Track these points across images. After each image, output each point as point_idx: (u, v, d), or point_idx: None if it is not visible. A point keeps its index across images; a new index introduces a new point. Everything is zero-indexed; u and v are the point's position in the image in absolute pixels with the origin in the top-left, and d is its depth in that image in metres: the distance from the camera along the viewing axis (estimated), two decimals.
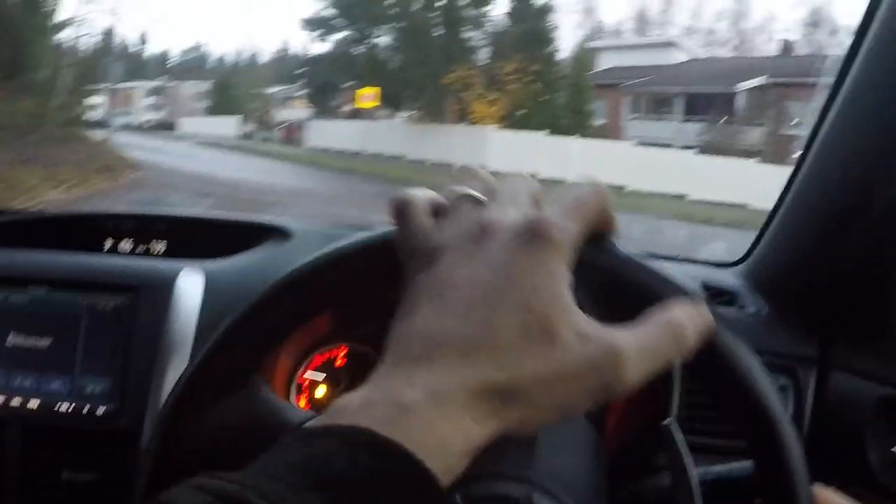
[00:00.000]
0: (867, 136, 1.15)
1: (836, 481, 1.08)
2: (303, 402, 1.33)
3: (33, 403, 1.24)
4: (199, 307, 1.27)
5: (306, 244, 1.41)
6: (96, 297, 1.29)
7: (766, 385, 0.65)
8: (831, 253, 1.25)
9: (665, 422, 0.75)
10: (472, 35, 24.57)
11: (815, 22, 30.42)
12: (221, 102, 36.37)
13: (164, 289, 1.28)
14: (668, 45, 28.46)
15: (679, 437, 0.74)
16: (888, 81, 1.12)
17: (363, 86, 22.09)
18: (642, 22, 34.09)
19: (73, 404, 1.24)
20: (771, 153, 19.84)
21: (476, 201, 0.55)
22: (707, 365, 0.65)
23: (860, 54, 1.15)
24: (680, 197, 17.37)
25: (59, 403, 1.24)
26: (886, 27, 1.10)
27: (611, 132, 24.16)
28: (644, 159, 19.31)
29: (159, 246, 1.58)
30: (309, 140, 27.63)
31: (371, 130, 24.75)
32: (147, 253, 1.58)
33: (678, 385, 1.08)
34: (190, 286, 1.29)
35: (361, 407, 0.44)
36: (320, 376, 1.33)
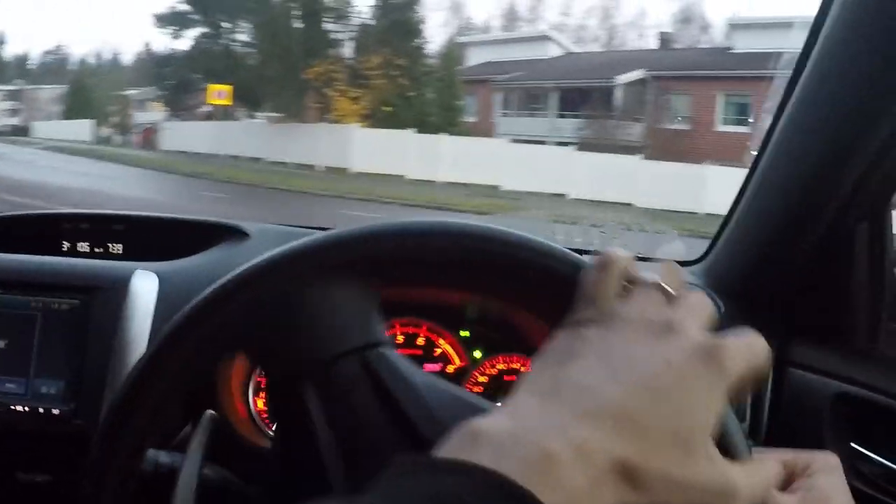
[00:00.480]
0: (821, 136, 1.21)
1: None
2: (261, 403, 1.37)
3: None
4: (153, 308, 1.31)
5: (263, 245, 1.39)
6: (51, 298, 1.32)
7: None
8: (788, 251, 1.32)
9: None
10: (334, 28, 24.10)
11: (686, 18, 31.60)
12: (77, 105, 34.95)
13: (118, 290, 1.32)
14: (542, 38, 28.49)
15: None
16: (841, 82, 1.17)
17: (218, 84, 21.81)
18: (511, 19, 34.71)
19: (28, 405, 1.27)
20: (653, 148, 20.09)
21: (666, 294, 0.59)
22: None
23: (813, 55, 1.20)
24: (560, 196, 17.39)
25: (14, 404, 1.28)
26: (839, 27, 1.15)
27: (482, 129, 24.07)
28: (519, 157, 19.27)
29: (116, 247, 1.62)
30: (165, 143, 27.08)
31: (228, 132, 24.11)
32: (104, 254, 1.62)
33: None
34: (144, 287, 1.33)
35: (507, 443, 0.46)
36: None
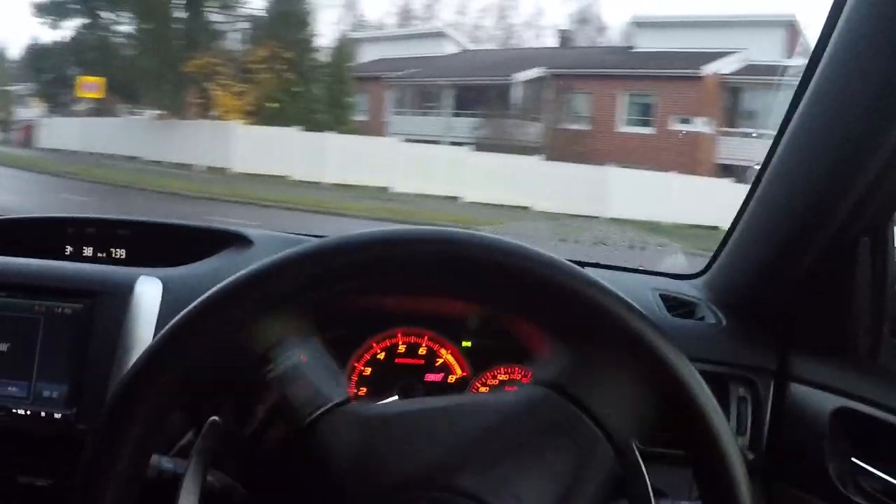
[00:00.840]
0: (824, 152, 1.24)
1: (796, 491, 1.20)
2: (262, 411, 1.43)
3: None
4: (156, 314, 1.35)
5: (267, 252, 1.46)
6: (54, 302, 1.36)
7: (716, 410, 0.77)
8: (790, 265, 1.35)
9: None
10: (219, 18, 23.36)
11: (583, 19, 32.03)
12: None
13: (122, 295, 1.36)
14: (438, 35, 28.04)
15: (636, 455, 0.85)
16: (844, 100, 1.20)
17: (92, 76, 21.08)
18: (406, 17, 34.60)
19: (31, 409, 1.31)
20: (552, 149, 19.83)
21: None
22: (654, 376, 0.78)
23: (816, 73, 1.24)
24: (453, 199, 17.07)
25: (16, 408, 1.32)
26: (842, 47, 1.19)
27: (373, 128, 23.55)
28: (411, 157, 19.08)
29: (120, 252, 1.67)
30: (41, 141, 25.92)
31: (105, 129, 23.14)
32: (108, 259, 1.66)
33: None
34: (148, 293, 1.37)
35: None
36: None
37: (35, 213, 1.74)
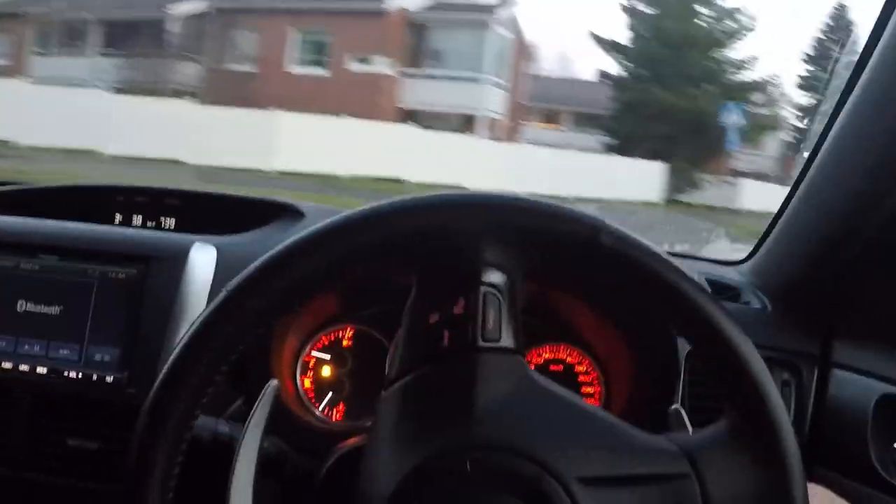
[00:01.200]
0: (873, 140, 1.27)
1: (837, 476, 1.24)
2: (308, 382, 1.46)
3: (42, 370, 1.36)
4: (210, 280, 1.39)
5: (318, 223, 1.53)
6: (108, 266, 1.40)
7: (765, 374, 0.80)
8: (836, 252, 1.37)
9: (673, 407, 0.92)
10: None
11: None
12: None
13: (176, 261, 1.40)
14: None
15: (685, 419, 0.91)
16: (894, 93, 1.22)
17: None
18: None
19: (82, 372, 1.36)
20: (210, 91, 18.60)
21: None
22: (712, 353, 0.81)
23: (872, 57, 1.26)
24: (89, 152, 15.68)
25: (68, 371, 1.36)
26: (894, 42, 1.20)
27: (13, 72, 21.42)
28: (42, 103, 16.90)
29: (169, 221, 1.70)
30: None
31: None
32: (157, 227, 1.69)
33: (682, 373, 1.25)
34: (202, 259, 1.41)
35: None
36: (326, 356, 1.46)
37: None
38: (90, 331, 1.40)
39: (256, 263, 0.83)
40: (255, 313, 0.82)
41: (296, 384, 1.46)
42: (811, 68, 47.98)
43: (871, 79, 1.28)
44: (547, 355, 1.48)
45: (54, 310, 1.41)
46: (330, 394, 1.46)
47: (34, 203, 1.65)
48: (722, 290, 1.55)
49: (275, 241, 1.43)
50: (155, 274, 1.41)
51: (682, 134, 28.77)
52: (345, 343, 1.48)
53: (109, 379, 1.37)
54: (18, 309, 1.41)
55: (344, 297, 1.45)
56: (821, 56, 47.30)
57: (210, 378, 0.82)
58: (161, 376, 0.83)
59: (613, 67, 32.95)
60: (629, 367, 1.36)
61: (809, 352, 1.41)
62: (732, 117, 22.18)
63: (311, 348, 1.47)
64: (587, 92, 33.48)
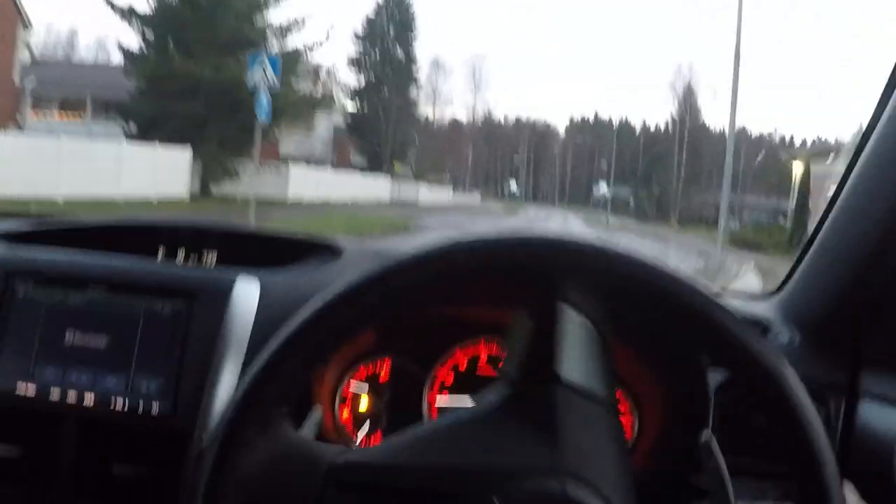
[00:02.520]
0: None
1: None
2: (346, 413, 1.49)
3: (89, 399, 1.40)
4: (254, 314, 1.43)
5: (357, 262, 1.54)
6: (154, 300, 1.44)
7: (813, 414, 0.83)
8: (863, 283, 1.39)
9: (704, 437, 0.93)
10: None
11: None
12: None
13: (221, 295, 1.44)
14: None
15: (718, 451, 0.91)
16: None
17: None
18: None
19: (128, 402, 1.40)
20: None
21: None
22: (759, 387, 0.84)
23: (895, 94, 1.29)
24: None
25: (115, 401, 1.40)
26: None
27: None
28: None
29: (211, 257, 1.75)
30: None
31: None
32: (199, 263, 1.74)
33: (713, 403, 1.28)
34: (246, 293, 1.45)
35: None
36: (364, 388, 1.50)
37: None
38: (136, 362, 1.43)
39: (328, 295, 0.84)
40: (323, 345, 0.85)
41: (334, 415, 1.50)
42: (362, 48, 53.04)
43: (891, 116, 1.31)
44: None
45: (101, 341, 1.45)
46: (367, 425, 1.49)
47: (81, 237, 1.69)
48: (752, 325, 1.53)
49: (316, 276, 1.54)
50: (201, 307, 1.45)
51: (215, 113, 25.33)
52: (382, 375, 1.51)
53: (155, 409, 1.41)
54: (66, 340, 1.45)
55: (382, 331, 1.48)
56: (371, 35, 52.36)
57: (275, 414, 0.86)
58: (230, 413, 0.85)
59: (134, 39, 29.34)
60: (661, 399, 1.40)
61: (838, 382, 1.43)
62: (259, 73, 16.48)
63: (350, 380, 1.50)
64: (111, 75, 30.43)
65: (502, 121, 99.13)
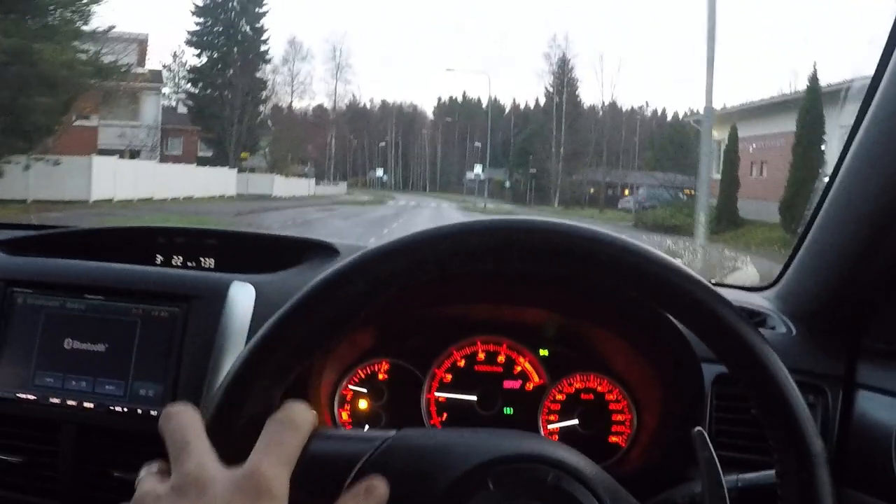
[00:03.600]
0: (893, 169, 1.29)
1: (862, 495, 1.26)
2: (345, 415, 1.50)
3: (88, 405, 1.42)
4: (250, 317, 1.45)
5: None
6: (151, 305, 1.46)
7: (802, 404, 0.81)
8: (858, 274, 1.40)
9: (696, 429, 0.91)
10: None
11: None
12: None
13: (216, 299, 1.46)
14: None
15: (709, 443, 0.90)
16: None
17: None
18: None
19: (127, 406, 1.42)
20: None
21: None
22: (750, 379, 0.83)
23: (886, 77, 1.30)
24: None
25: (114, 405, 1.42)
26: None
27: None
28: None
29: (209, 261, 1.77)
30: None
31: None
32: (197, 267, 1.76)
33: (709, 397, 1.33)
34: (242, 297, 1.47)
35: None
36: (362, 389, 1.51)
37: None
38: (135, 367, 1.45)
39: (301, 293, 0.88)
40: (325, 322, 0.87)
41: (333, 417, 1.50)
42: (203, 22, 46.44)
43: (883, 101, 1.31)
44: (578, 384, 1.51)
45: (100, 347, 1.47)
46: (367, 426, 1.51)
47: (79, 245, 1.71)
48: (749, 317, 1.53)
49: (311, 278, 1.49)
50: (196, 312, 1.47)
51: None
52: (381, 376, 1.52)
53: (154, 413, 1.42)
54: (66, 346, 1.47)
55: (379, 332, 1.50)
56: (213, 7, 46.13)
57: (268, 397, 0.86)
58: (219, 399, 0.86)
59: None
60: (658, 394, 1.41)
61: (834, 374, 1.43)
62: None
63: (348, 382, 1.52)
64: None
65: (368, 104, 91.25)
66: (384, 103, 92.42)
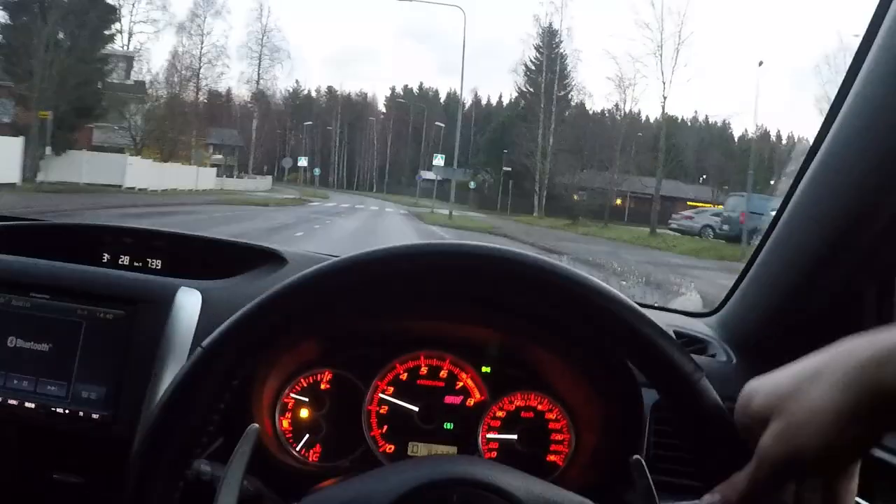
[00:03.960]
0: (838, 201, 1.33)
1: None
2: (286, 423, 1.51)
3: (30, 405, 1.42)
4: (195, 323, 1.45)
5: (301, 270, 1.57)
6: (97, 307, 1.46)
7: (729, 423, 0.88)
8: (801, 308, 1.43)
9: (634, 457, 0.93)
10: None
11: None
12: None
13: (162, 304, 1.46)
14: None
15: (646, 470, 0.92)
16: (860, 154, 1.29)
17: None
18: None
19: (69, 409, 1.41)
20: None
21: None
22: (679, 398, 0.89)
23: (834, 125, 1.33)
24: None
25: (55, 407, 1.41)
26: (859, 106, 1.28)
27: None
28: None
29: (156, 262, 1.77)
30: None
31: None
32: (144, 268, 1.76)
33: (648, 421, 1.34)
34: (188, 303, 1.48)
35: None
36: (304, 399, 1.51)
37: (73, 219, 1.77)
38: (78, 368, 1.45)
39: (242, 310, 0.89)
40: (239, 358, 0.90)
41: (274, 425, 1.51)
42: None
43: (836, 138, 1.34)
44: (518, 402, 1.53)
45: (43, 347, 1.46)
46: (307, 435, 1.52)
47: (24, 240, 1.71)
48: (690, 343, 1.61)
49: (258, 286, 1.61)
50: (142, 316, 1.47)
51: None
52: (323, 386, 1.53)
53: (96, 416, 1.42)
54: (8, 344, 1.46)
55: (322, 343, 1.50)
56: None
57: (201, 418, 0.90)
58: (155, 416, 0.88)
59: None
60: (597, 416, 1.43)
61: None
62: None
63: (290, 390, 1.52)
64: None
65: (310, 91, 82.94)
66: (331, 91, 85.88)
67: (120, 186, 32.80)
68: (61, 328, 1.47)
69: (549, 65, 50.12)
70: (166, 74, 45.54)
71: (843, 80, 1.35)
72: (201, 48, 52.62)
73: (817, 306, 1.42)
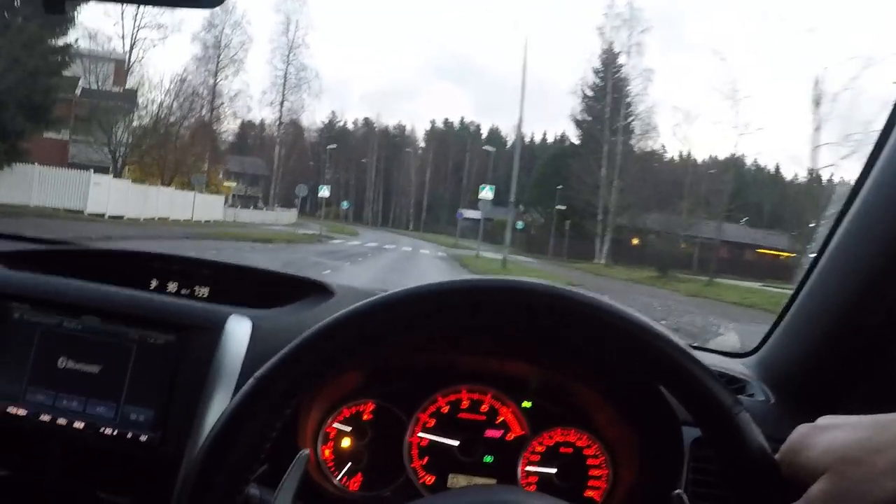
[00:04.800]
0: (881, 242, 1.33)
1: None
2: (328, 452, 1.53)
3: (78, 425, 1.45)
4: (244, 351, 1.48)
5: (348, 302, 1.57)
6: (148, 331, 1.49)
7: (771, 463, 0.87)
8: (841, 348, 1.44)
9: (676, 492, 0.94)
10: None
11: None
12: None
13: (213, 330, 1.49)
14: None
15: None
16: None
17: None
18: None
19: (117, 430, 1.44)
20: None
21: None
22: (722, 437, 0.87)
23: (879, 161, 1.35)
24: None
25: (104, 427, 1.44)
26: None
27: None
28: None
29: (203, 290, 1.80)
30: None
31: None
32: (191, 295, 1.80)
33: (687, 459, 1.34)
34: (238, 330, 1.50)
35: None
36: (347, 428, 1.54)
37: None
38: (127, 391, 1.48)
39: (300, 338, 0.89)
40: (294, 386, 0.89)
41: (316, 453, 1.54)
42: None
43: (877, 180, 1.36)
44: (558, 438, 1.55)
45: (94, 368, 1.49)
46: (349, 464, 1.54)
47: (76, 264, 1.75)
48: (729, 383, 1.60)
49: (306, 317, 1.63)
50: (192, 341, 1.50)
51: None
52: (365, 416, 1.56)
53: (143, 438, 1.44)
54: (59, 365, 1.49)
55: (366, 374, 1.54)
56: None
57: (262, 441, 0.89)
58: (209, 443, 0.88)
59: None
60: (637, 453, 1.45)
61: None
62: None
63: (333, 420, 1.55)
64: None
65: (347, 122, 78.87)
66: (368, 124, 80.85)
67: (82, 212, 27.55)
68: (112, 351, 1.50)
69: (614, 87, 44.97)
70: (175, 87, 40.07)
71: (886, 122, 1.37)
72: (217, 62, 48.07)
73: (859, 348, 1.43)
